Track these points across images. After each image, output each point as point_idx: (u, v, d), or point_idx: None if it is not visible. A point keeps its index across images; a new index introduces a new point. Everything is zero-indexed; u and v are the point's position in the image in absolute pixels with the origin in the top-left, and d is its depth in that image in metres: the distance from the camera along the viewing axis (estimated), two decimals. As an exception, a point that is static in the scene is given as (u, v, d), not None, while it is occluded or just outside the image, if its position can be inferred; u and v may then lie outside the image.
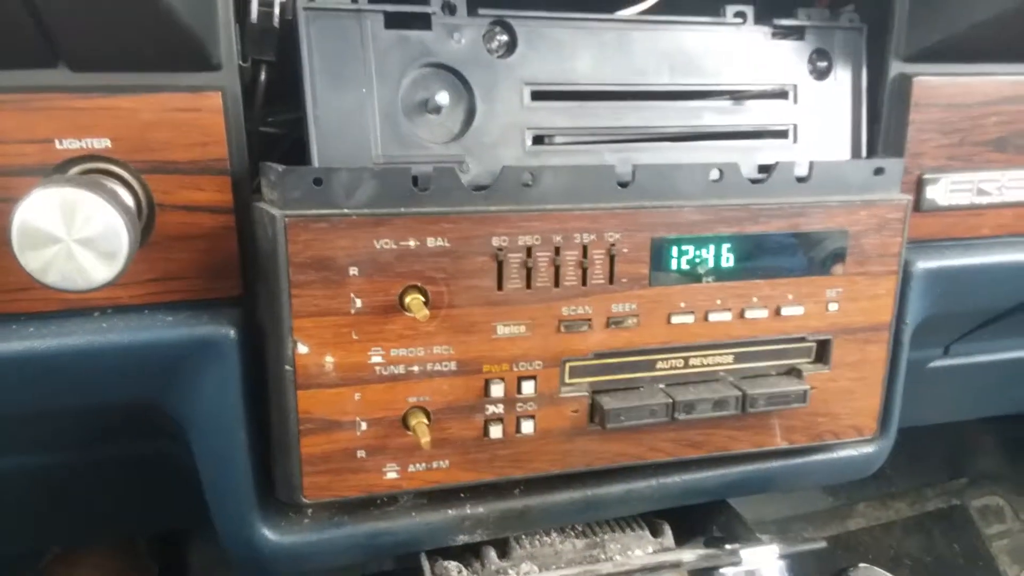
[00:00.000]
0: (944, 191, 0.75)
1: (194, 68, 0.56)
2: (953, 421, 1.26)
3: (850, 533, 1.68)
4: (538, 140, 0.67)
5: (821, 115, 0.73)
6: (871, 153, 0.75)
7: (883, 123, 0.74)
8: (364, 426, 0.62)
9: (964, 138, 0.74)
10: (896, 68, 0.73)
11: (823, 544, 0.79)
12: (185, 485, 0.70)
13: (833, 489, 1.66)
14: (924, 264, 0.75)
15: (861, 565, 1.57)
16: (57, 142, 0.54)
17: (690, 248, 0.66)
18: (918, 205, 0.75)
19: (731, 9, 0.70)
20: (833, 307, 0.70)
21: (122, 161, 0.56)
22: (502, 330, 0.63)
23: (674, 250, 0.66)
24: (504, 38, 0.64)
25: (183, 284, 0.60)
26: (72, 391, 0.59)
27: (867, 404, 0.75)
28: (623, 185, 0.64)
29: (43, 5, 0.47)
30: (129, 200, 0.56)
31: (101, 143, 0.55)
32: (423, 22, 0.62)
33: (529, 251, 0.62)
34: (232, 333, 0.60)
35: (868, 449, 0.77)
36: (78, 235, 0.49)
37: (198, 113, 0.57)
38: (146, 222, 0.58)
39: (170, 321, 0.60)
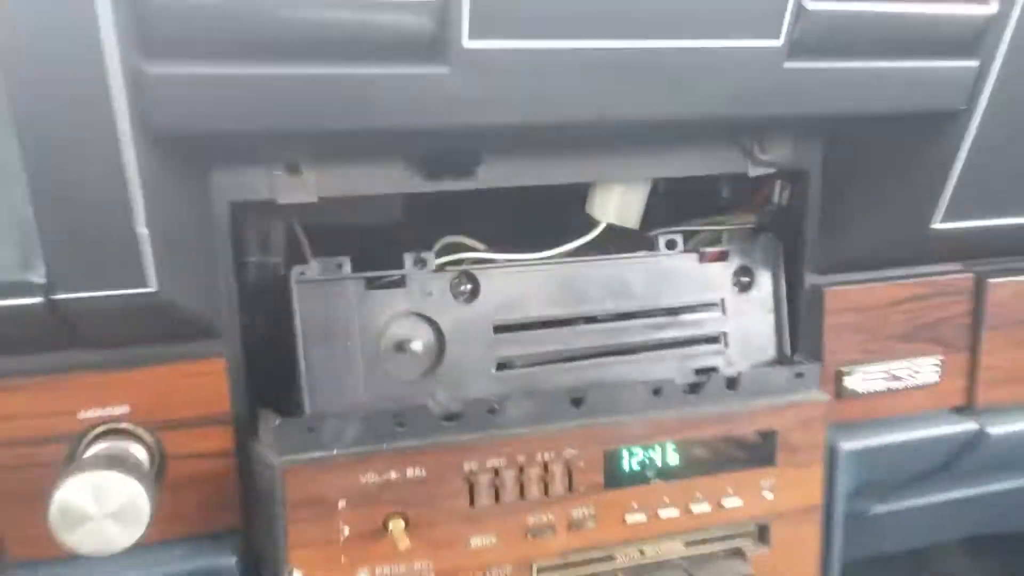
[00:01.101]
0: (860, 380, 0.86)
1: (200, 338, 0.65)
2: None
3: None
4: (502, 366, 0.76)
5: (747, 322, 0.84)
6: (794, 351, 0.85)
7: (802, 326, 0.84)
8: (355, 642, 0.69)
9: (874, 334, 0.85)
10: (809, 280, 0.84)
11: None
12: None
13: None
14: (848, 445, 0.85)
15: None
16: (80, 413, 0.63)
17: (638, 455, 0.75)
18: (839, 394, 0.86)
19: (663, 240, 0.81)
20: (768, 495, 0.79)
21: (137, 422, 0.65)
22: (475, 542, 0.71)
23: (624, 458, 0.75)
24: (468, 286, 0.75)
25: (190, 521, 0.68)
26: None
27: (804, 573, 0.83)
28: (576, 404, 0.74)
29: (71, 317, 0.56)
30: (144, 456, 0.64)
31: (119, 410, 0.63)
32: (399, 280, 0.72)
33: (496, 471, 0.71)
34: (233, 562, 0.68)
35: (812, 611, 0.85)
36: (107, 510, 0.57)
37: (205, 377, 0.66)
38: (158, 470, 0.66)
39: (179, 555, 0.67)
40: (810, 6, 0.59)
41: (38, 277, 0.53)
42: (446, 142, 0.65)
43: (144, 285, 0.55)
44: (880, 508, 1.07)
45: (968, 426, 0.90)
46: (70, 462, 0.61)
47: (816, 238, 0.83)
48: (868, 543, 1.13)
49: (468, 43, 0.53)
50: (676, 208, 0.87)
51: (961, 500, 1.12)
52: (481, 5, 0.52)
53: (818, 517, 0.82)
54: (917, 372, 0.88)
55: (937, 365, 0.88)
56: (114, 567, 0.65)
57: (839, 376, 0.85)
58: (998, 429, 0.91)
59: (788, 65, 0.61)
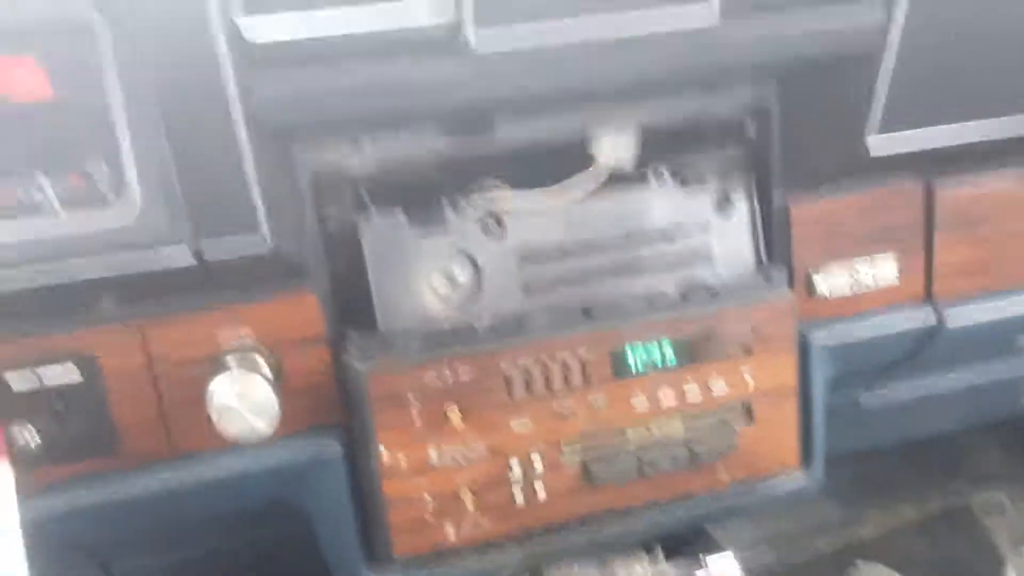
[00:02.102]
0: (826, 281, 1.03)
1: (297, 277, 0.87)
2: (946, 432, 1.50)
3: (861, 540, 1.89)
4: (528, 288, 0.97)
5: (729, 239, 1.02)
6: (770, 260, 1.03)
7: (775, 239, 1.02)
8: (430, 501, 0.92)
9: (836, 240, 1.01)
10: (778, 199, 1.01)
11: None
12: (308, 559, 1.00)
13: (843, 499, 1.87)
14: (818, 337, 1.02)
15: (859, 562, 1.80)
16: (218, 337, 0.86)
17: (639, 352, 0.95)
18: (810, 293, 1.03)
19: (651, 173, 0.99)
20: (749, 380, 0.98)
21: (259, 342, 0.87)
22: (514, 424, 0.92)
23: (628, 355, 0.95)
24: (496, 224, 0.95)
25: (305, 418, 0.90)
26: (240, 496, 0.91)
27: (787, 446, 1.02)
28: (587, 314, 0.94)
29: (209, 264, 0.79)
30: (268, 369, 0.87)
31: (245, 331, 0.86)
32: (443, 226, 0.94)
33: (527, 370, 0.91)
34: (340, 447, 0.91)
35: (796, 477, 1.04)
36: (247, 405, 0.80)
37: (303, 307, 0.88)
38: (277, 378, 0.89)
39: (299, 446, 0.90)
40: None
41: (186, 235, 0.75)
42: (465, 113, 0.85)
43: (259, 237, 0.77)
44: (868, 398, 1.25)
45: (929, 317, 1.06)
46: (216, 373, 0.84)
47: (780, 164, 1.00)
48: (862, 432, 1.31)
49: (476, 35, 0.73)
50: (668, 146, 1.03)
51: (944, 389, 1.28)
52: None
53: (794, 397, 1.00)
54: (878, 271, 1.04)
55: (895, 264, 1.04)
56: (256, 453, 0.88)
57: (809, 278, 1.02)
58: (955, 319, 1.07)
59: (722, 30, 0.79)
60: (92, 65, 0.70)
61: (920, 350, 1.10)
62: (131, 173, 0.72)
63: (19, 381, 0.80)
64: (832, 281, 1.03)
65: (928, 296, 1.07)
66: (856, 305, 1.05)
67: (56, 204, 0.72)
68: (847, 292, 1.04)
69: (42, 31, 0.69)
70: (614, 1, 0.76)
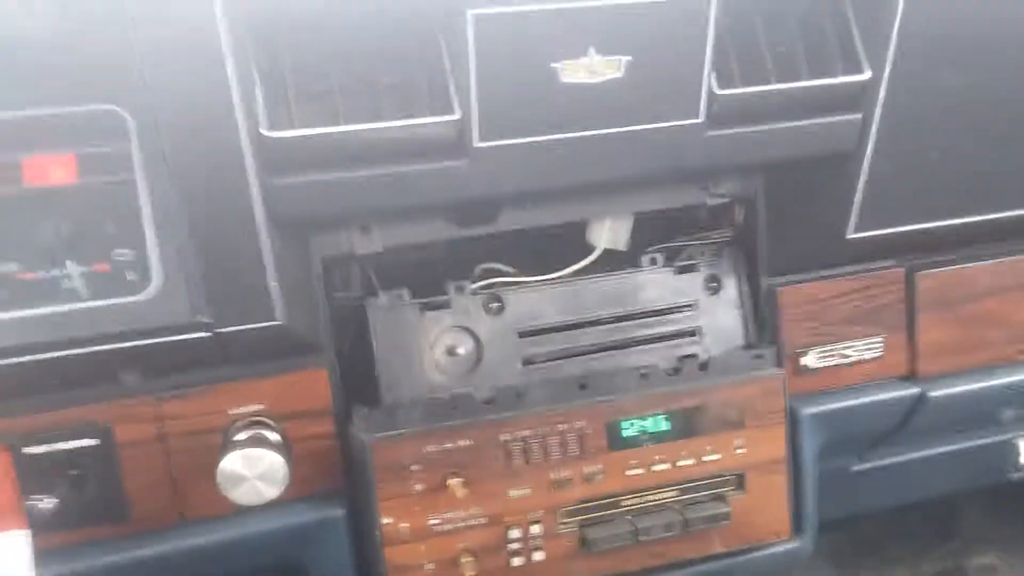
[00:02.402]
0: (815, 359, 1.08)
1: (307, 354, 0.92)
2: (938, 496, 1.53)
3: (854, 601, 1.89)
4: (526, 362, 1.02)
5: (719, 318, 1.07)
6: (759, 339, 1.08)
7: (763, 319, 1.07)
8: (430, 567, 0.94)
9: (823, 321, 1.07)
10: (766, 282, 1.06)
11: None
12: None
13: (838, 563, 1.89)
14: (807, 410, 1.07)
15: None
16: (230, 410, 0.90)
17: (633, 424, 0.99)
18: (797, 371, 1.07)
19: (646, 258, 1.05)
20: (740, 451, 1.02)
21: (269, 416, 0.91)
22: (513, 493, 0.96)
23: (622, 427, 0.99)
24: (497, 304, 1.00)
25: (309, 484, 0.94)
26: (249, 555, 0.94)
27: (779, 515, 1.05)
28: (582, 388, 0.98)
29: (226, 344, 0.83)
30: (277, 438, 0.91)
31: (256, 407, 0.90)
32: (446, 305, 0.98)
33: (525, 440, 0.95)
34: (343, 513, 0.95)
35: (788, 546, 1.07)
36: (255, 473, 0.84)
37: (311, 382, 0.92)
38: (285, 448, 0.93)
39: (304, 511, 0.94)
40: (719, 92, 0.83)
41: (206, 318, 0.80)
42: (469, 206, 0.90)
43: (274, 319, 0.82)
44: (860, 466, 1.28)
45: (912, 391, 1.10)
46: (225, 444, 0.88)
47: (767, 249, 1.05)
48: (856, 497, 1.34)
49: (478, 144, 0.79)
50: (662, 229, 1.10)
51: (934, 456, 1.32)
52: (486, 120, 0.78)
53: (784, 467, 1.04)
54: (863, 350, 1.09)
55: (880, 343, 1.09)
56: (262, 517, 0.92)
57: (796, 356, 1.07)
58: (938, 392, 1.11)
59: (710, 134, 0.85)
60: (121, 160, 0.76)
61: (907, 422, 1.13)
62: (154, 258, 0.77)
63: (38, 449, 0.84)
64: (819, 358, 1.08)
65: (912, 371, 1.11)
66: (843, 379, 1.10)
67: (83, 288, 0.77)
68: (834, 367, 1.08)
69: (77, 129, 0.75)
70: (608, 119, 0.82)
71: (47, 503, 0.84)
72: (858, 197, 0.93)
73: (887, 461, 1.29)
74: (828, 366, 1.08)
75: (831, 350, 1.08)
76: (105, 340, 0.77)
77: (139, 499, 0.89)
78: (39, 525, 0.84)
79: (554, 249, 1.04)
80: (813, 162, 0.93)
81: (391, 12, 0.75)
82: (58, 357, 0.77)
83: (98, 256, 0.77)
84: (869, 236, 0.97)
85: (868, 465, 1.28)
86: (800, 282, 1.06)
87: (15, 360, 0.75)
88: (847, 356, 1.09)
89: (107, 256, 0.77)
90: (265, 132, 0.74)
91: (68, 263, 0.77)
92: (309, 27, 0.75)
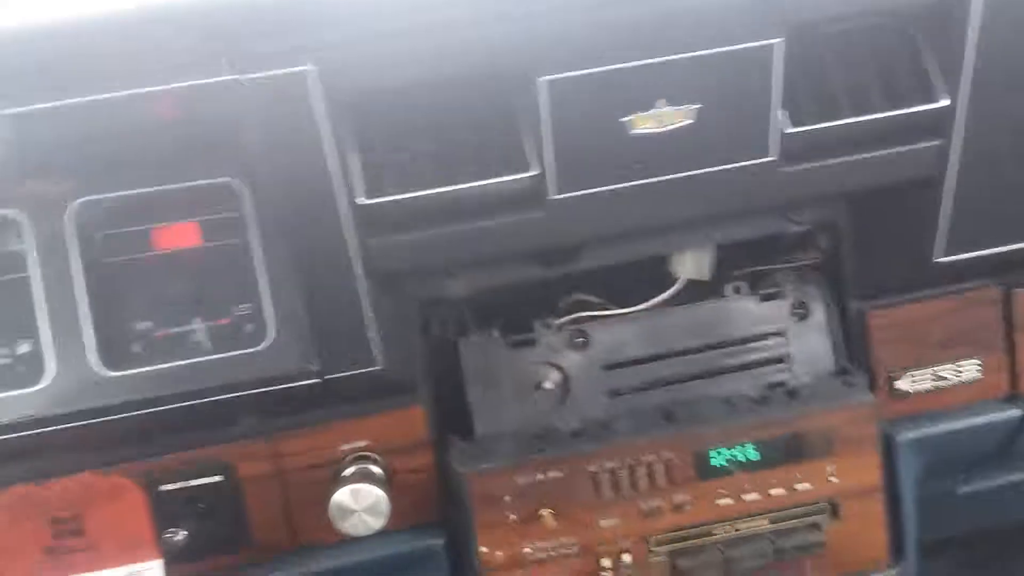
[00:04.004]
0: (909, 382, 1.06)
1: (406, 393, 0.98)
2: None
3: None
4: (612, 394, 1.05)
5: (807, 344, 1.07)
6: (849, 363, 1.07)
7: (853, 344, 1.06)
8: (527, 594, 0.99)
9: (916, 345, 1.05)
10: (854, 305, 1.05)
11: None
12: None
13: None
14: (903, 435, 1.05)
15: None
16: (340, 446, 0.97)
17: (721, 453, 1.00)
18: (892, 395, 1.06)
19: (730, 287, 1.06)
20: (833, 479, 1.01)
21: (373, 450, 0.98)
22: (603, 523, 0.99)
23: (710, 457, 1.00)
24: (582, 339, 1.04)
25: (410, 515, 1.00)
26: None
27: (876, 542, 1.04)
28: (669, 418, 1.00)
29: (333, 387, 0.90)
30: (381, 472, 0.98)
31: (362, 443, 0.97)
32: (533, 341, 1.03)
33: (613, 471, 0.98)
34: (442, 542, 1.00)
35: (887, 573, 1.05)
36: (363, 506, 0.91)
37: (411, 418, 0.98)
38: (389, 481, 0.99)
39: (406, 540, 1.00)
40: (790, 130, 0.84)
41: (314, 366, 0.88)
42: (552, 251, 0.95)
43: (375, 365, 0.89)
44: (966, 488, 1.24)
45: (1014, 412, 1.07)
46: (336, 478, 0.95)
47: (854, 273, 1.05)
48: (964, 520, 1.29)
49: (554, 196, 0.84)
50: (745, 255, 1.09)
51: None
52: (560, 173, 0.82)
53: (880, 496, 1.03)
54: (960, 372, 1.06)
55: (977, 364, 1.06)
56: (367, 546, 0.98)
57: (889, 381, 1.05)
58: (1045, 414, 1.07)
59: (784, 170, 0.86)
60: (238, 224, 0.85)
61: (1012, 443, 1.10)
62: (268, 313, 0.86)
63: (171, 486, 0.94)
64: (914, 381, 1.06)
65: (1013, 391, 1.08)
66: (940, 402, 1.07)
67: (207, 341, 0.86)
68: (930, 390, 1.06)
69: (199, 200, 0.84)
70: (679, 164, 0.85)
71: (178, 535, 0.93)
72: (944, 221, 0.91)
73: (998, 482, 1.24)
74: (923, 389, 1.06)
75: (926, 373, 1.06)
76: (229, 389, 0.86)
77: (259, 529, 0.97)
78: (171, 556, 0.93)
79: (637, 280, 1.07)
80: (894, 188, 0.93)
81: (468, 81, 0.80)
82: (188, 405, 0.86)
83: (220, 312, 0.87)
84: (959, 259, 0.96)
85: (976, 487, 1.24)
86: (891, 305, 1.05)
87: (152, 410, 0.85)
88: (943, 378, 1.06)
89: (228, 312, 0.87)
90: (360, 200, 0.81)
91: (195, 320, 0.86)
92: (395, 101, 0.81)
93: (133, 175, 0.84)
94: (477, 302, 1.03)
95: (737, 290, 1.06)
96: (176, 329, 0.87)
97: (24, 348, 0.85)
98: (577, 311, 1.05)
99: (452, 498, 1.00)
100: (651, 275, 1.07)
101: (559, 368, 1.04)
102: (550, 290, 1.06)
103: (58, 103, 0.75)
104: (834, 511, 1.03)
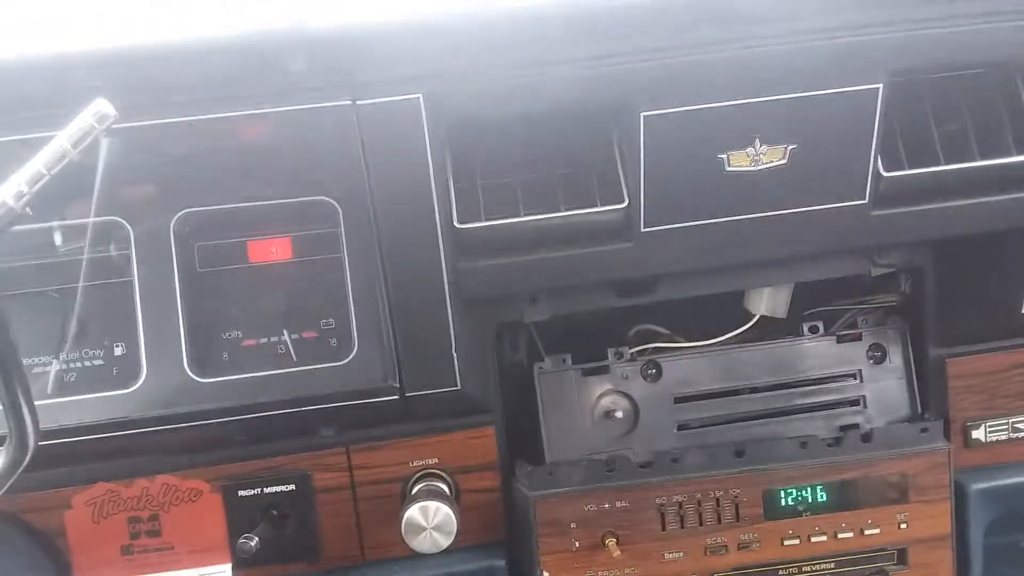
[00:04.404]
0: (984, 432, 1.04)
1: (479, 413, 0.99)
2: None
3: None
4: (682, 427, 1.04)
5: (883, 388, 1.06)
6: (924, 409, 1.05)
7: (930, 390, 1.04)
8: (587, 622, 0.99)
9: (994, 394, 1.03)
10: (933, 352, 1.04)
11: None
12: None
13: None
14: (976, 485, 1.03)
15: None
16: (411, 463, 0.98)
17: (791, 494, 0.99)
18: (967, 443, 1.04)
19: (806, 326, 1.05)
20: (903, 526, 1.00)
21: (442, 469, 0.99)
22: (668, 556, 0.99)
23: (779, 496, 0.99)
24: (654, 371, 1.04)
25: (474, 534, 1.01)
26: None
27: (944, 593, 1.02)
28: (739, 455, 0.99)
29: (411, 405, 0.92)
30: (447, 490, 0.98)
31: (432, 460, 0.99)
32: (606, 369, 1.03)
33: (680, 505, 0.98)
34: (504, 564, 1.01)
35: (955, 623, 1.03)
36: (433, 524, 0.92)
37: (482, 439, 0.99)
38: (456, 499, 1.00)
39: (469, 557, 1.01)
40: (886, 174, 0.83)
41: (395, 383, 0.89)
42: (632, 282, 0.96)
43: (454, 385, 0.90)
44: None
45: (1094, 470, 1.04)
46: (405, 495, 0.96)
47: (935, 318, 1.03)
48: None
49: (644, 229, 0.84)
50: (822, 294, 1.09)
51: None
52: (652, 207, 0.83)
53: (949, 544, 1.01)
54: (1039, 425, 1.04)
55: (1058, 417, 1.04)
56: (432, 563, 0.99)
57: (966, 430, 1.04)
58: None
59: (875, 213, 0.85)
60: (329, 241, 0.87)
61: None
62: (353, 329, 0.87)
63: (248, 492, 0.96)
64: (991, 431, 1.04)
65: None
66: (1015, 453, 1.05)
67: (293, 353, 0.88)
68: (1007, 441, 1.04)
69: (293, 216, 0.87)
70: (771, 203, 0.84)
71: (252, 541, 0.95)
72: None
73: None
74: (1000, 440, 1.04)
75: (1004, 423, 1.04)
76: (311, 401, 0.88)
77: (329, 540, 0.98)
78: (241, 561, 0.95)
79: (710, 313, 1.07)
80: (985, 236, 0.91)
81: (568, 113, 0.81)
82: (271, 414, 0.88)
83: (307, 325, 0.89)
84: None
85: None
86: (970, 353, 1.03)
87: (236, 417, 0.87)
88: (1019, 430, 1.04)
89: (315, 325, 0.89)
90: (458, 225, 0.83)
91: (282, 331, 0.88)
92: (495, 129, 0.83)
93: (233, 190, 0.86)
94: (551, 328, 1.03)
95: (814, 329, 1.06)
96: (264, 339, 0.89)
97: (119, 351, 0.88)
98: (645, 342, 1.06)
99: (516, 521, 1.01)
100: (719, 309, 1.07)
101: (629, 398, 1.04)
102: (617, 319, 1.07)
103: (174, 119, 0.77)
104: (902, 558, 1.01)
